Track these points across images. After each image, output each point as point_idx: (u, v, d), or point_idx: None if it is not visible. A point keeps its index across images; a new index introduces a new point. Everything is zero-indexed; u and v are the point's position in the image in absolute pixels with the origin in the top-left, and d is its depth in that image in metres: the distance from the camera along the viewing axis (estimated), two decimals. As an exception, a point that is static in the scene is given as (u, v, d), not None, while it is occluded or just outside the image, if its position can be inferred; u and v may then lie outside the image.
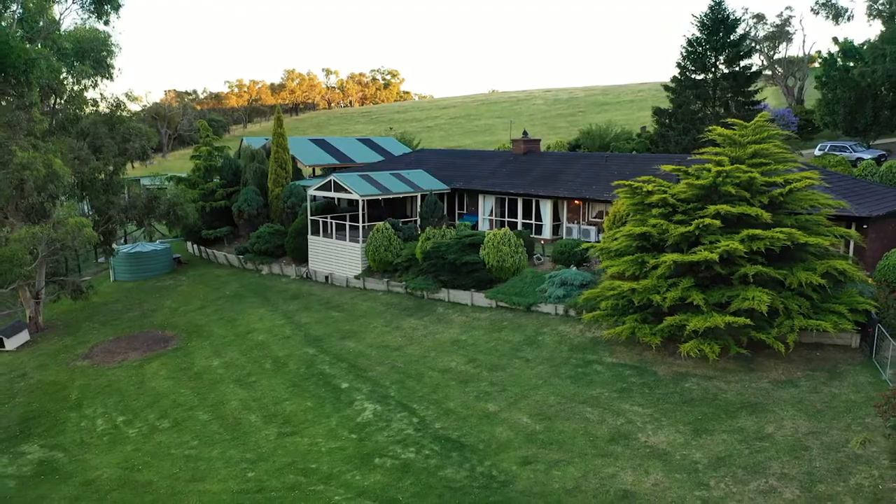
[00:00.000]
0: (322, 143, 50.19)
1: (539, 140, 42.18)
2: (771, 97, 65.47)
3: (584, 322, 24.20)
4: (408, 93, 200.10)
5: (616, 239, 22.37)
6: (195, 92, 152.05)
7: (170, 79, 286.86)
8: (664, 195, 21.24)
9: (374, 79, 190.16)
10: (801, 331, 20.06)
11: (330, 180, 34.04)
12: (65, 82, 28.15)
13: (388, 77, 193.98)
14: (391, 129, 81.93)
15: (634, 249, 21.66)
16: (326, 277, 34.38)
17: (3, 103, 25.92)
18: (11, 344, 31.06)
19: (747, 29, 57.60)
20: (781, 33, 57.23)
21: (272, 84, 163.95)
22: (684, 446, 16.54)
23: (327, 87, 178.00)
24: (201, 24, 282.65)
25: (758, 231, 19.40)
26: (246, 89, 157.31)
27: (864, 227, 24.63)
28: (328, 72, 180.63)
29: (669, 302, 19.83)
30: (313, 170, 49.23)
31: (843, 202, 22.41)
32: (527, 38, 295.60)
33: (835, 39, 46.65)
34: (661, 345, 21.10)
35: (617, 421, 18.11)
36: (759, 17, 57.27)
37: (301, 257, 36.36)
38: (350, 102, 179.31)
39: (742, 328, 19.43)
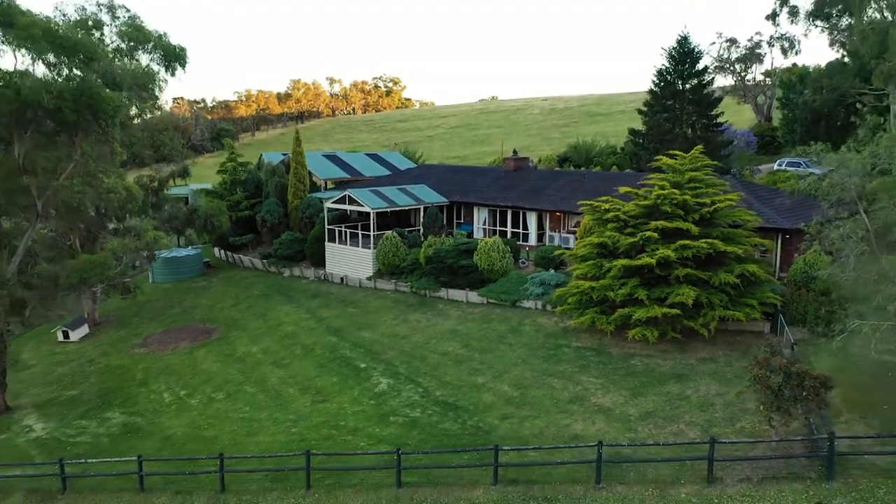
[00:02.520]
0: (334, 159, 55.58)
1: (528, 158, 47.57)
2: (747, 113, 70.72)
3: (557, 314, 29.56)
4: (409, 100, 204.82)
5: (584, 247, 27.79)
6: (204, 101, 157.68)
7: (178, 87, 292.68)
8: (618, 212, 26.67)
9: (376, 86, 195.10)
10: (725, 320, 25.44)
11: (345, 195, 39.44)
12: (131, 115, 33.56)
13: (390, 84, 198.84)
14: (395, 144, 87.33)
15: (595, 255, 27.05)
16: (342, 279, 39.75)
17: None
18: (75, 336, 36.54)
19: (721, 52, 63.23)
20: (752, 55, 62.58)
21: (279, 93, 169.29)
22: (623, 405, 21.94)
23: (331, 96, 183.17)
24: (206, 30, 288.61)
25: (688, 241, 24.81)
26: (254, 99, 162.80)
27: (788, 236, 30.00)
28: (332, 80, 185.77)
29: (620, 297, 25.21)
30: (325, 183, 54.53)
31: (759, 217, 27.74)
32: (528, 45, 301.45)
33: (794, 65, 52.09)
34: (615, 331, 26.46)
35: (576, 388, 23.52)
36: (732, 41, 62.58)
37: (319, 261, 41.74)
38: (353, 109, 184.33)
39: (676, 318, 24.79)
